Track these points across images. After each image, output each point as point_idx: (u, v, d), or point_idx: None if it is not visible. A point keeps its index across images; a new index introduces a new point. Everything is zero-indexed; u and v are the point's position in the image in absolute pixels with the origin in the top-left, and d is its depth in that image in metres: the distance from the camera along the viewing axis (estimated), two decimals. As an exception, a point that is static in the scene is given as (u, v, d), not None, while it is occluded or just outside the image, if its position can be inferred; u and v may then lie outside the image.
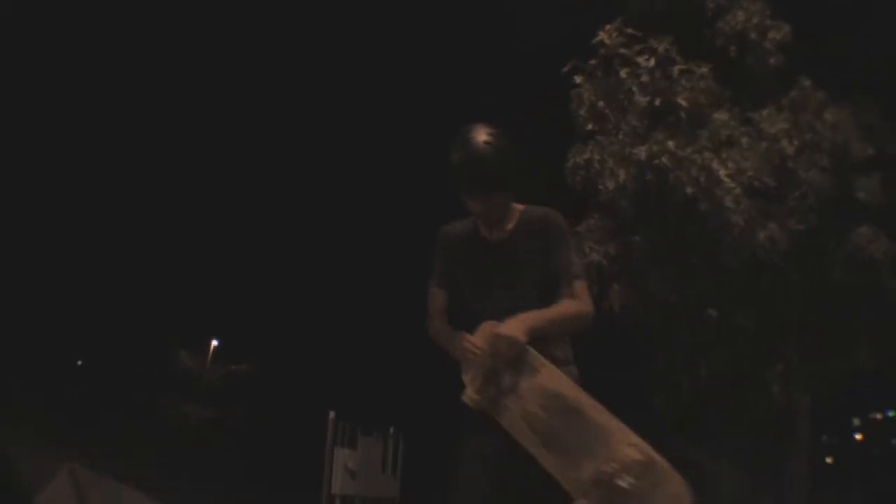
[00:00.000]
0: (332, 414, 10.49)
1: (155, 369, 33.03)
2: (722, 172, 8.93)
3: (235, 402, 32.21)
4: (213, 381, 36.78)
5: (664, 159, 8.94)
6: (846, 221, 10.26)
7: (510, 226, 3.47)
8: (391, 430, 11.63)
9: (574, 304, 3.33)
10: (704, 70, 9.53)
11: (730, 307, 10.28)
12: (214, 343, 39.18)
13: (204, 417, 29.53)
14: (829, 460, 20.06)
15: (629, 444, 3.05)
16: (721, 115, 9.76)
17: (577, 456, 2.99)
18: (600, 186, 9.58)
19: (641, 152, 9.05)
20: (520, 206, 3.51)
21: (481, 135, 3.26)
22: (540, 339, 3.17)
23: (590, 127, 9.76)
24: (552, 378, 3.13)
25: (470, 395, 3.15)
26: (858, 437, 22.39)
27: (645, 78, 9.34)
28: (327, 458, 10.84)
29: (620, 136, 9.43)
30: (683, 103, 9.28)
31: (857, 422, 22.21)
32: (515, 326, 3.11)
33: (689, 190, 8.99)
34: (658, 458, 3.05)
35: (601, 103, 9.60)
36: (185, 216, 33.76)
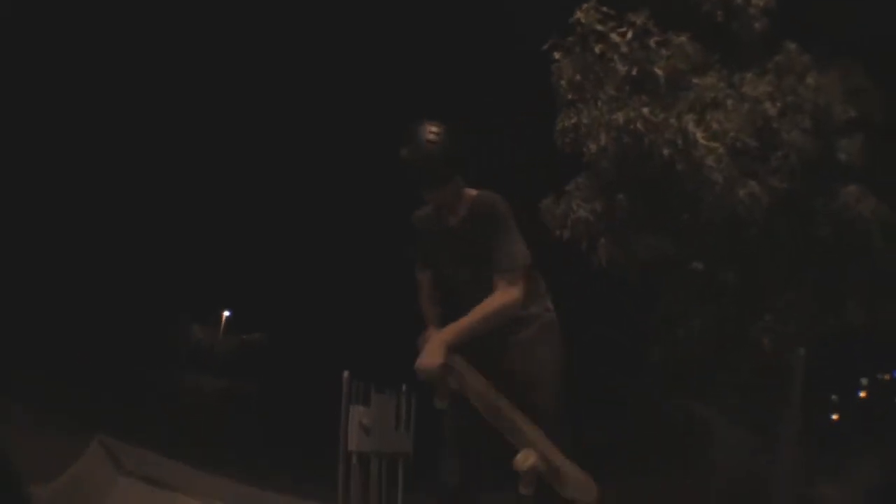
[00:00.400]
0: (346, 373, 10.95)
1: (168, 344, 32.58)
2: (699, 135, 9.46)
3: (249, 371, 32.09)
4: (227, 351, 37.24)
5: (639, 124, 9.59)
6: (829, 182, 10.65)
7: (462, 213, 3.71)
8: (403, 387, 12.12)
9: (497, 298, 3.51)
10: (683, 39, 10.07)
11: (714, 263, 10.83)
12: (226, 314, 39.39)
13: (218, 388, 29.70)
14: (834, 417, 20.44)
15: (530, 450, 3.45)
16: (706, 80, 10.25)
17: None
18: (584, 149, 10.25)
19: (619, 118, 9.71)
20: (472, 193, 3.74)
21: (426, 133, 3.47)
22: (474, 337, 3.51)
23: (570, 97, 10.42)
24: (476, 382, 3.58)
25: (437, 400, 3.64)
26: (862, 394, 22.84)
27: (624, 49, 9.92)
28: (343, 416, 11.31)
29: (599, 104, 10.09)
30: (659, 72, 9.88)
31: (864, 381, 22.71)
32: (432, 349, 3.42)
33: (665, 152, 9.61)
34: (557, 461, 3.49)
35: (578, 77, 10.24)
36: (188, 192, 33.68)
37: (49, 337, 24.05)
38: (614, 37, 9.96)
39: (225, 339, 38.03)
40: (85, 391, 17.19)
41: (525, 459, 3.37)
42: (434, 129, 3.46)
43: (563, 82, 10.41)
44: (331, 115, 32.38)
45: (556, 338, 3.85)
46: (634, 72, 9.97)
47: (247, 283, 34.76)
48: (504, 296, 3.52)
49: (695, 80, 10.23)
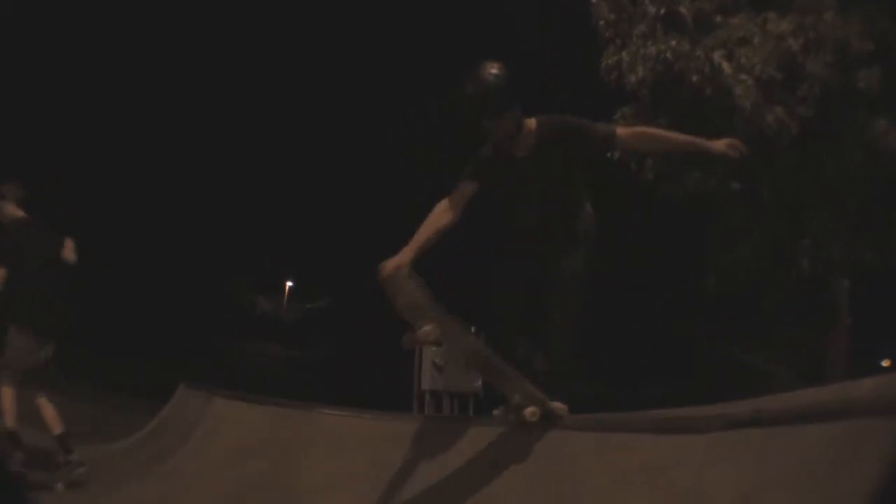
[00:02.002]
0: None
1: (234, 316, 33.85)
2: (725, 66, 10.56)
3: (315, 338, 33.03)
4: (291, 320, 38.13)
5: (668, 55, 11.02)
6: (855, 112, 11.41)
7: (531, 141, 4.19)
8: (472, 328, 12.94)
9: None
10: None
11: (751, 183, 11.88)
12: (289, 284, 40.39)
13: (285, 356, 30.45)
14: (884, 363, 20.30)
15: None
16: (735, 20, 11.38)
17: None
18: (626, 81, 11.69)
19: (652, 50, 11.15)
20: (533, 122, 4.21)
21: (487, 69, 3.97)
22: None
23: (608, 34, 11.94)
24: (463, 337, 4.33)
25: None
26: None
27: None
28: (417, 357, 12.27)
29: (634, 40, 11.54)
30: (684, 11, 11.24)
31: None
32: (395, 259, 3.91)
33: (694, 78, 10.93)
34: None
35: (613, 16, 11.80)
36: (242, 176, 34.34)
37: (117, 314, 25.23)
38: None
39: (289, 308, 39.10)
40: (154, 366, 18.01)
41: (532, 415, 4.12)
42: (493, 65, 3.97)
43: (601, 22, 11.88)
44: (380, 80, 32.95)
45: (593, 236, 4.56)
46: (662, 12, 11.33)
47: (306, 252, 35.48)
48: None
49: (724, 20, 11.40)
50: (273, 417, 5.72)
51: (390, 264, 3.85)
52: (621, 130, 4.39)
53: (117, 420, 8.30)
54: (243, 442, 5.44)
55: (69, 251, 6.77)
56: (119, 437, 6.13)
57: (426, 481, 4.36)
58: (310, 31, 34.82)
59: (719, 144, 4.25)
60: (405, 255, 3.91)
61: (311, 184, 35.04)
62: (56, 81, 28.85)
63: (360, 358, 25.12)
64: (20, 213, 6.71)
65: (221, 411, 5.96)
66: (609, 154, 11.05)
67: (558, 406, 4.21)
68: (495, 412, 4.46)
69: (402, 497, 4.31)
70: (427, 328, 3.96)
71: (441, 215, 4.11)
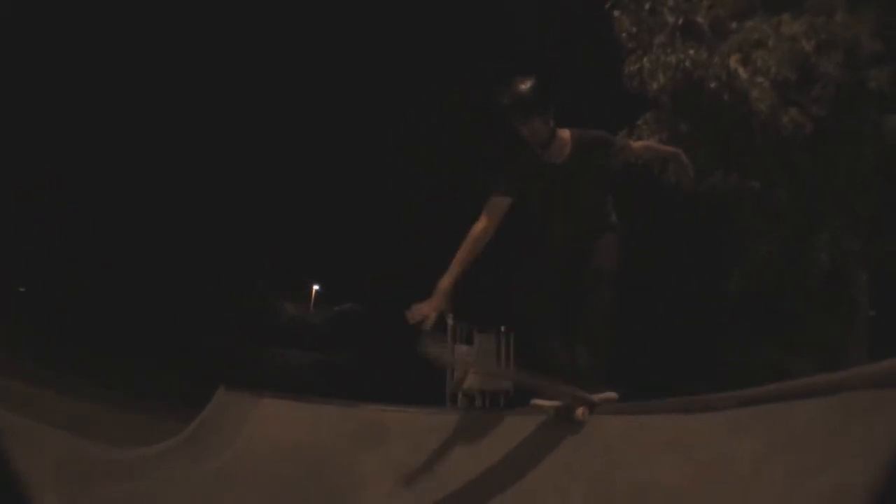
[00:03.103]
0: (450, 316, 12.24)
1: (261, 321, 34.10)
2: (741, 70, 10.99)
3: (344, 341, 32.72)
4: (319, 324, 37.96)
5: (687, 63, 11.54)
6: (868, 110, 11.69)
7: (568, 150, 4.63)
8: (502, 328, 13.29)
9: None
10: None
11: (770, 182, 12.32)
12: (315, 288, 40.67)
13: (313, 360, 30.08)
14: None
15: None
16: (750, 23, 11.72)
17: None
18: (648, 88, 12.23)
19: (672, 59, 11.67)
20: (567, 133, 4.65)
21: (518, 80, 4.44)
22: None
23: (629, 45, 12.49)
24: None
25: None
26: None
27: (671, 3, 11.88)
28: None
29: (654, 49, 12.05)
30: (700, 20, 11.76)
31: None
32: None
33: (712, 85, 11.39)
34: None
35: (634, 29, 12.36)
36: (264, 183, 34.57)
37: (141, 320, 25.65)
38: None
39: (316, 313, 39.28)
40: (183, 372, 17.65)
41: (582, 414, 4.45)
42: (523, 79, 4.43)
43: (623, 34, 12.44)
44: (407, 84, 33.17)
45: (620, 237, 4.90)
46: (680, 21, 11.85)
47: (331, 256, 35.66)
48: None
49: (738, 24, 11.80)
50: (319, 415, 5.80)
51: (415, 318, 4.56)
52: (632, 143, 5.25)
53: (150, 425, 8.16)
54: (290, 439, 5.48)
55: None
56: (154, 442, 5.89)
57: (468, 469, 4.69)
58: (337, 30, 34.92)
59: (683, 155, 5.04)
60: (432, 305, 4.57)
61: (336, 186, 35.19)
62: (64, 80, 29.17)
63: (389, 360, 24.76)
64: None
65: (268, 411, 5.91)
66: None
67: (606, 396, 4.57)
68: (533, 402, 4.70)
69: (446, 483, 4.63)
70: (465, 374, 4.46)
71: (479, 232, 4.56)
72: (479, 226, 4.56)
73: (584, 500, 4.00)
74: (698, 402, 4.15)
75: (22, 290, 27.36)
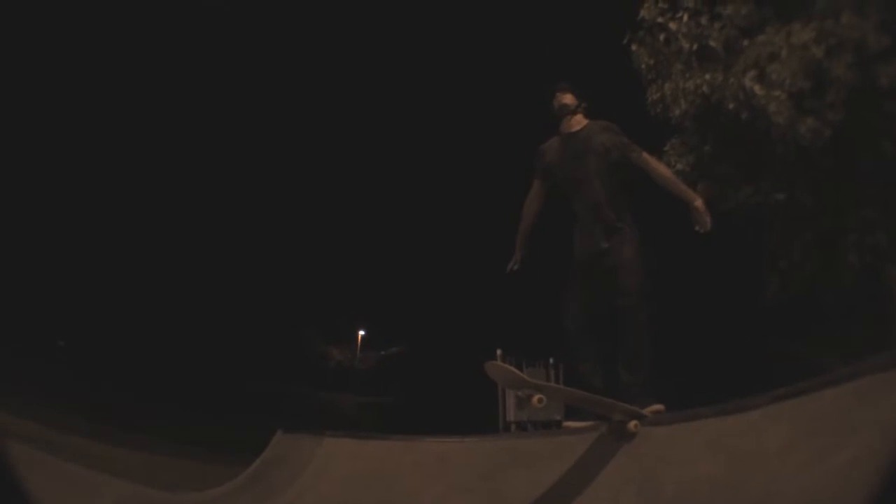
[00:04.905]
0: (499, 351, 12.56)
1: (308, 367, 34.57)
2: (756, 87, 11.40)
3: (392, 384, 33.38)
4: (366, 369, 38.30)
5: (704, 88, 11.99)
6: (877, 106, 11.79)
7: (583, 125, 5.57)
8: (551, 360, 13.61)
9: (660, 164, 5.66)
10: (730, 11, 12.20)
11: (793, 190, 12.59)
12: (361, 333, 40.98)
13: (362, 404, 30.91)
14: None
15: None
16: (762, 37, 12.01)
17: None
18: (670, 115, 12.69)
19: (690, 85, 12.15)
20: (586, 120, 5.63)
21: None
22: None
23: (650, 76, 13.01)
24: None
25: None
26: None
27: (684, 30, 12.34)
28: (500, 392, 12.88)
29: (673, 76, 12.55)
30: (713, 44, 12.19)
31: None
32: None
33: (730, 106, 11.77)
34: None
35: (652, 61, 12.86)
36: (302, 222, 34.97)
37: (190, 369, 25.77)
38: (672, 25, 12.42)
39: (364, 358, 39.54)
40: (232, 418, 18.45)
41: (635, 427, 4.81)
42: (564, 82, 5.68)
43: (642, 66, 12.94)
44: (454, 119, 33.63)
45: (638, 246, 5.34)
46: (695, 47, 12.32)
47: (375, 300, 36.00)
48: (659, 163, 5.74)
49: (749, 42, 12.14)
50: (380, 450, 6.08)
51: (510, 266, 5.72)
52: (652, 161, 5.58)
53: (204, 472, 8.25)
54: (355, 474, 5.74)
55: None
56: (212, 486, 6.01)
57: (528, 486, 5.07)
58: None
59: (699, 203, 5.33)
60: (516, 257, 5.81)
61: (379, 229, 35.61)
62: (104, 121, 29.71)
63: (439, 399, 25.22)
64: None
65: (331, 449, 6.15)
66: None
67: (654, 408, 4.97)
68: (565, 424, 5.43)
69: (512, 503, 5.00)
70: (529, 395, 4.84)
71: (527, 208, 5.80)
72: (526, 203, 5.77)
73: (635, 500, 4.41)
74: (734, 405, 4.54)
75: (62, 343, 27.52)
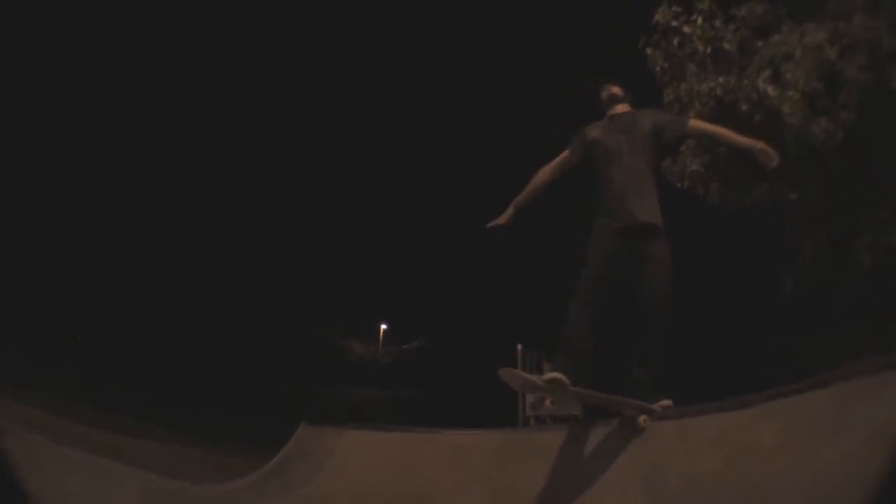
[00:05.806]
0: (519, 346, 12.71)
1: (329, 362, 34.50)
2: (769, 89, 11.61)
3: (413, 378, 33.38)
4: (388, 362, 38.31)
5: (717, 90, 12.21)
6: (890, 107, 11.76)
7: (628, 107, 5.90)
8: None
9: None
10: (744, 12, 12.40)
11: (806, 190, 12.79)
12: (383, 327, 41.20)
13: (383, 398, 30.66)
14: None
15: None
16: (777, 37, 12.17)
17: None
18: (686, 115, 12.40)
19: (704, 87, 12.37)
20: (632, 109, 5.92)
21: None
22: None
23: (665, 79, 13.26)
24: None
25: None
26: None
27: (698, 32, 12.56)
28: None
29: (688, 78, 12.82)
30: (727, 46, 12.42)
31: None
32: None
33: (744, 107, 11.97)
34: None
35: (666, 64, 13.13)
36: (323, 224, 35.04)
37: (210, 365, 25.82)
38: (686, 29, 12.68)
39: (385, 352, 39.65)
40: (253, 413, 18.49)
41: (644, 422, 5.00)
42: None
43: (657, 69, 13.21)
44: (474, 115, 33.71)
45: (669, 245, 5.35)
46: (709, 50, 12.55)
47: (396, 294, 36.07)
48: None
49: (764, 41, 12.33)
50: (402, 442, 6.14)
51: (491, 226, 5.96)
52: (692, 121, 6.43)
53: (227, 466, 8.15)
54: (377, 465, 5.82)
55: None
56: (236, 479, 6.01)
57: (542, 477, 5.27)
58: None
59: (762, 146, 5.35)
60: (505, 215, 5.97)
61: (402, 224, 35.67)
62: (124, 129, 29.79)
63: (459, 393, 25.13)
64: None
65: (352, 441, 6.22)
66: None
67: (663, 403, 5.10)
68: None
69: (523, 493, 5.21)
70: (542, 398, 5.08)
71: (540, 173, 5.98)
72: (543, 169, 5.94)
73: (641, 492, 4.68)
74: (736, 401, 4.81)
75: (79, 337, 27.49)
